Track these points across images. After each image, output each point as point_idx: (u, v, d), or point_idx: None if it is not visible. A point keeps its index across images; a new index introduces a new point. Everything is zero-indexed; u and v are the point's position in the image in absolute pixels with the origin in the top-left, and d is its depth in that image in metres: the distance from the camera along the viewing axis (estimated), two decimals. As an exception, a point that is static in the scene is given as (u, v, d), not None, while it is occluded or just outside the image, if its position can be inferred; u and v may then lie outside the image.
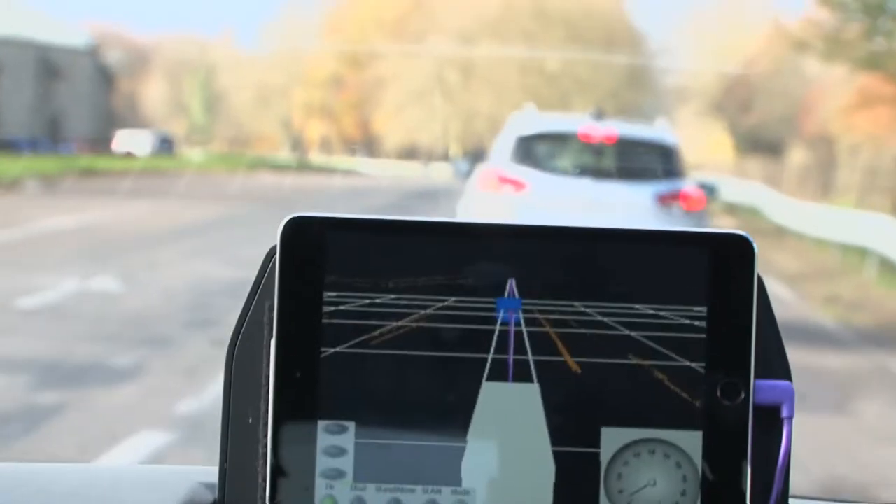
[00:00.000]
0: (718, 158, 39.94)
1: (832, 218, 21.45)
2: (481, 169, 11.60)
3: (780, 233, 23.82)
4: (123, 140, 49.40)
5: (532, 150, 11.50)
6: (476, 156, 13.17)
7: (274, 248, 1.01)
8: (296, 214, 1.00)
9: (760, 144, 38.31)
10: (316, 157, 56.72)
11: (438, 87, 48.86)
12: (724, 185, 36.48)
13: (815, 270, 17.37)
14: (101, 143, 45.67)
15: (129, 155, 47.27)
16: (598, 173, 11.12)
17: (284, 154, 57.80)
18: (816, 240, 21.46)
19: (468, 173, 12.13)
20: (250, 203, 21.90)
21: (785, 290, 14.00)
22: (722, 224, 24.11)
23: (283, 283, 0.99)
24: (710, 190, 12.34)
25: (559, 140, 11.69)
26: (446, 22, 46.61)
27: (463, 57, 46.54)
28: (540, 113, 12.69)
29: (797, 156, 35.39)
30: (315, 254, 0.99)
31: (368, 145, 58.93)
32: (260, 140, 61.65)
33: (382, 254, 1.00)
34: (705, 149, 40.50)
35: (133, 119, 60.32)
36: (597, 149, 11.29)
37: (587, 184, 11.01)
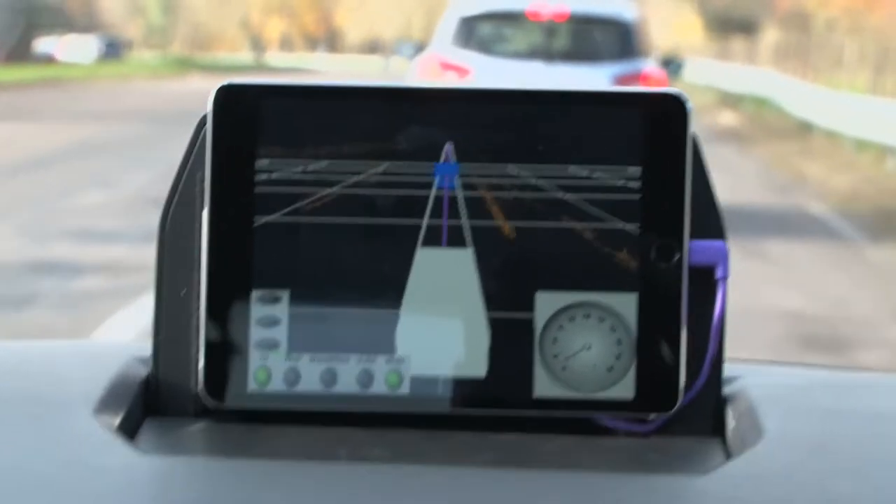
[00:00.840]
0: (688, 41, 38.73)
1: (874, 109, 16.57)
2: (421, 56, 10.83)
3: (806, 131, 20.20)
4: (67, 46, 47.41)
5: (476, 32, 10.70)
6: (423, 44, 12.23)
7: (205, 117, 0.99)
8: (227, 82, 0.98)
9: (732, 24, 37.36)
10: (276, 56, 55.45)
11: (398, -22, 47.44)
12: (711, 70, 33.76)
13: (878, 189, 13.09)
14: (20, 49, 43.18)
15: (51, 61, 44.33)
16: (549, 55, 10.42)
17: (244, 55, 56.59)
18: (858, 141, 16.92)
19: (412, 57, 11.19)
20: (142, 122, 18.92)
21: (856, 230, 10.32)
22: (727, 122, 22.45)
23: (214, 151, 0.97)
24: (676, 68, 11.52)
25: (506, 20, 10.90)
26: None
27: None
28: None
29: (771, 35, 34.28)
30: (247, 121, 0.98)
31: (330, 41, 57.96)
32: (220, 41, 60.64)
33: (316, 120, 0.98)
34: (674, 31, 39.50)
35: (89, 23, 59.14)
36: (547, 28, 10.58)
37: (537, 67, 10.29)
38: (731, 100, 28.55)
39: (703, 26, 39.63)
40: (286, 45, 59.51)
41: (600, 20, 10.65)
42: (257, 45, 58.41)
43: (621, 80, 9.98)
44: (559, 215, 0.98)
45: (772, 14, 35.25)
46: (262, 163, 0.98)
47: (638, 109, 0.99)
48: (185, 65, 43.46)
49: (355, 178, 0.98)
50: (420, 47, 11.08)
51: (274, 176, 0.98)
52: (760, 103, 26.09)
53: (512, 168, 0.98)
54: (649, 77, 10.06)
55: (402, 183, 0.99)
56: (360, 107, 0.99)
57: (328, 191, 0.98)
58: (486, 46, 10.50)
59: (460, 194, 0.99)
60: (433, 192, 0.98)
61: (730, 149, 17.00)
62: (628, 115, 0.99)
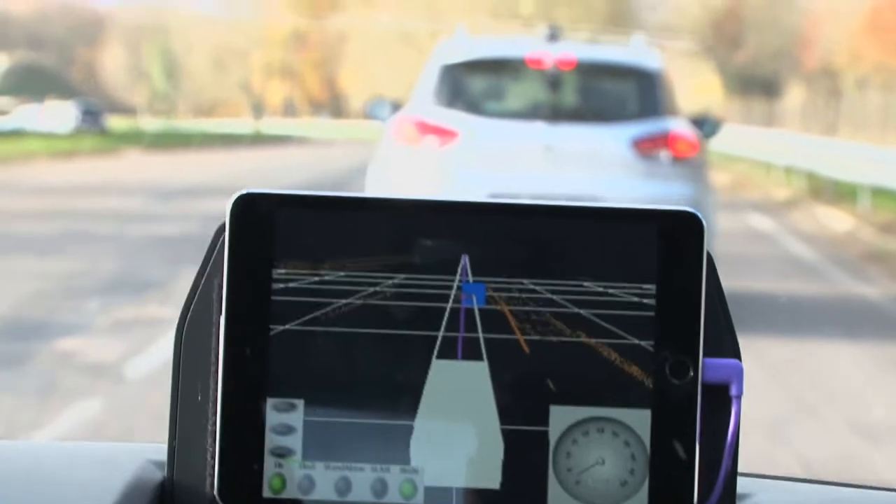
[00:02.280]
0: (707, 103, 36.80)
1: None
2: (398, 115, 8.78)
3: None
4: (46, 114, 44.84)
5: (463, 85, 8.77)
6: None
7: (223, 225, 1.01)
8: (245, 191, 1.00)
9: (753, 84, 35.52)
10: (276, 122, 53.82)
11: (402, 38, 45.85)
12: (748, 136, 28.22)
13: None
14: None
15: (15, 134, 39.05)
16: (554, 114, 8.48)
17: (245, 120, 54.96)
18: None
19: (389, 119, 8.94)
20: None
21: None
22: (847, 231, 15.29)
23: (231, 259, 1.00)
24: (711, 128, 9.26)
25: (500, 69, 8.93)
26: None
27: (427, 1, 43.46)
28: (474, 36, 9.59)
29: (796, 94, 32.35)
30: (264, 230, 1.00)
31: (335, 105, 56.52)
32: (225, 106, 59.26)
33: (332, 231, 1.00)
34: (691, 92, 37.73)
35: (91, 90, 57.80)
36: (552, 80, 8.55)
37: (539, 129, 8.34)
38: (823, 187, 20.36)
39: (723, 86, 37.71)
40: (289, 110, 57.93)
41: (617, 70, 8.85)
42: (258, 110, 56.80)
43: (643, 142, 8.30)
44: (574, 330, 0.99)
45: (797, 73, 33.33)
46: (278, 272, 0.99)
47: (653, 226, 0.99)
48: (169, 137, 40.81)
49: (371, 289, 0.99)
50: (398, 107, 8.98)
51: (291, 285, 0.99)
52: (879, 196, 17.77)
53: (527, 282, 0.99)
54: (678, 138, 8.32)
55: (417, 295, 0.99)
56: (375, 218, 1.00)
57: (344, 301, 0.99)
58: (475, 103, 8.66)
59: (476, 307, 0.99)
60: (449, 305, 0.99)
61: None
62: (644, 232, 0.99)
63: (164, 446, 1.04)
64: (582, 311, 0.99)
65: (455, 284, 1.00)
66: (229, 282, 0.99)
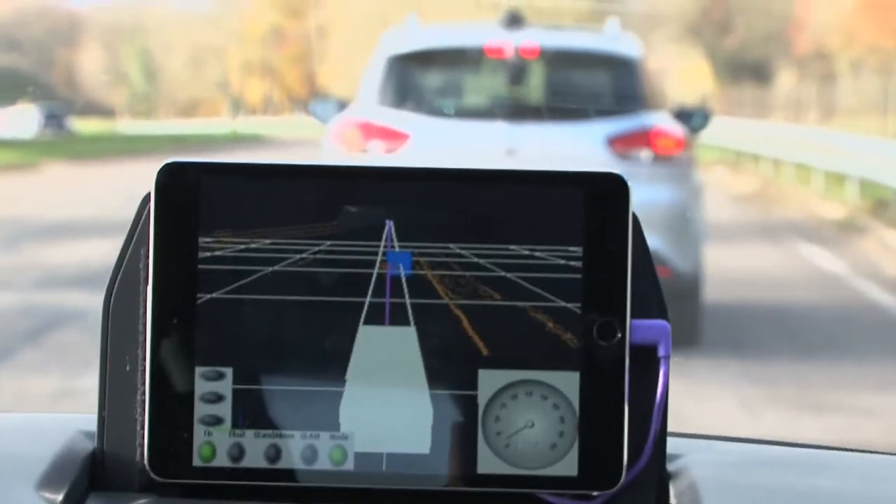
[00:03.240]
0: (697, 90, 35.76)
1: None
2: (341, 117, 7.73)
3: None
4: (9, 119, 43.03)
5: (413, 80, 7.83)
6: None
7: (149, 195, 1.01)
8: (171, 160, 1.00)
9: (743, 69, 34.49)
10: (253, 121, 52.89)
11: (384, 31, 44.81)
12: (755, 131, 24.08)
13: None
14: None
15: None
16: (517, 111, 7.49)
17: (225, 120, 54.04)
18: None
19: (332, 120, 7.90)
20: None
21: None
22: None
23: (157, 229, 1.00)
24: (699, 121, 8.19)
25: (454, 61, 7.92)
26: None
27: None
28: (425, 26, 8.38)
29: (787, 78, 31.34)
30: (190, 199, 1.00)
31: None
32: (205, 106, 58.38)
33: (258, 198, 1.00)
34: (679, 79, 36.72)
35: (70, 91, 56.86)
36: (514, 72, 7.55)
37: (500, 130, 7.33)
38: (887, 200, 15.57)
39: (713, 73, 36.69)
40: (270, 107, 57.01)
41: (588, 58, 7.90)
42: (236, 108, 55.86)
43: (619, 140, 7.33)
44: (501, 294, 1.00)
45: (788, 57, 32.32)
46: (205, 240, 1.00)
47: (579, 189, 1.00)
48: (135, 140, 38.86)
49: (298, 256, 1.00)
50: (345, 106, 7.90)
51: (217, 254, 1.00)
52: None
53: (453, 247, 1.00)
54: (660, 135, 7.38)
55: (344, 261, 1.00)
56: (301, 185, 1.00)
57: (271, 268, 1.00)
58: (427, 101, 7.69)
59: (403, 272, 0.99)
60: (375, 271, 0.99)
61: None
62: (569, 195, 1.00)
63: (95, 417, 1.03)
64: (509, 275, 1.00)
65: (380, 250, 1.00)
66: (155, 251, 1.00)
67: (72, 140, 37.97)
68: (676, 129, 7.50)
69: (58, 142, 36.43)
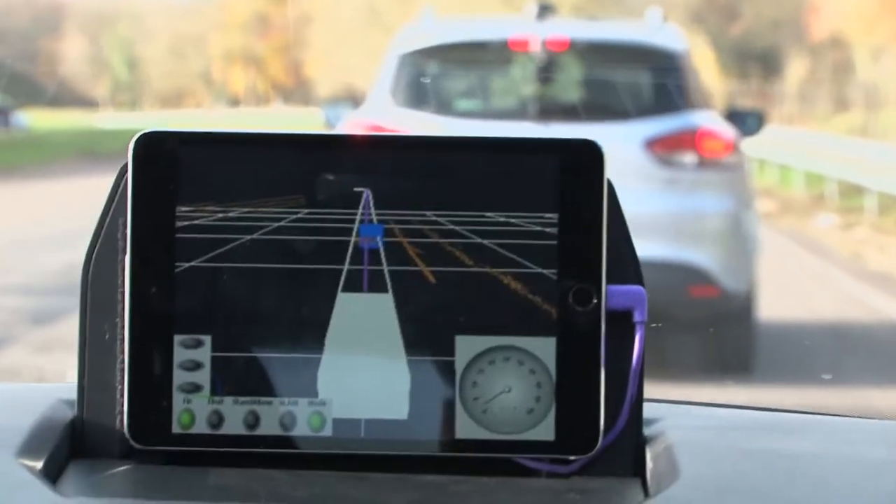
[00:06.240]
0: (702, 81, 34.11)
1: None
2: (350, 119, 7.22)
3: None
4: None
5: (429, 78, 7.18)
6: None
7: (126, 165, 1.03)
8: (148, 129, 1.02)
9: (750, 57, 32.93)
10: (235, 112, 51.43)
11: (371, 20, 43.39)
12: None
13: None
14: None
15: None
16: (546, 111, 6.67)
17: (206, 110, 52.55)
18: None
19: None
20: None
21: None
22: None
23: (135, 198, 1.01)
24: (754, 122, 7.40)
25: (475, 56, 7.20)
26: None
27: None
28: (442, 19, 7.69)
29: (799, 67, 29.75)
30: (167, 168, 1.01)
31: (302, 93, 54.46)
32: (193, 96, 57.04)
33: (236, 167, 1.01)
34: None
35: (52, 81, 55.42)
36: (542, 66, 6.74)
37: (526, 131, 6.44)
38: None
39: (718, 61, 35.11)
40: (254, 97, 55.68)
41: (626, 51, 7.13)
42: (221, 99, 54.51)
43: (662, 141, 6.57)
44: (477, 261, 1.02)
45: (801, 44, 30.73)
46: (182, 209, 1.01)
47: (554, 156, 1.02)
48: (102, 135, 35.04)
49: (276, 224, 1.01)
50: (358, 106, 7.39)
51: (195, 222, 1.01)
52: None
53: (430, 214, 1.01)
54: (708, 136, 6.64)
55: (322, 229, 1.01)
56: (278, 154, 1.01)
57: (249, 237, 1.01)
58: (445, 100, 7.11)
59: (380, 240, 1.01)
60: (353, 238, 1.01)
61: None
62: (544, 162, 1.02)
63: (75, 385, 1.05)
64: (485, 242, 1.01)
65: (357, 218, 1.01)
66: (133, 220, 1.01)
67: (17, 139, 33.49)
68: (726, 130, 6.77)
69: (7, 138, 31.58)
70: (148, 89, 58.50)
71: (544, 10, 7.10)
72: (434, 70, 7.29)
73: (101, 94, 58.00)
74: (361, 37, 44.60)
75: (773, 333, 7.45)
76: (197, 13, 54.74)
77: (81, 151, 26.16)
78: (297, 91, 55.57)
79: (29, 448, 0.98)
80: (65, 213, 13.94)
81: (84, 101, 54.75)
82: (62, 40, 58.84)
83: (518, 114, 6.88)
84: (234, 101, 55.61)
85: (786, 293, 8.94)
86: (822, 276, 10.59)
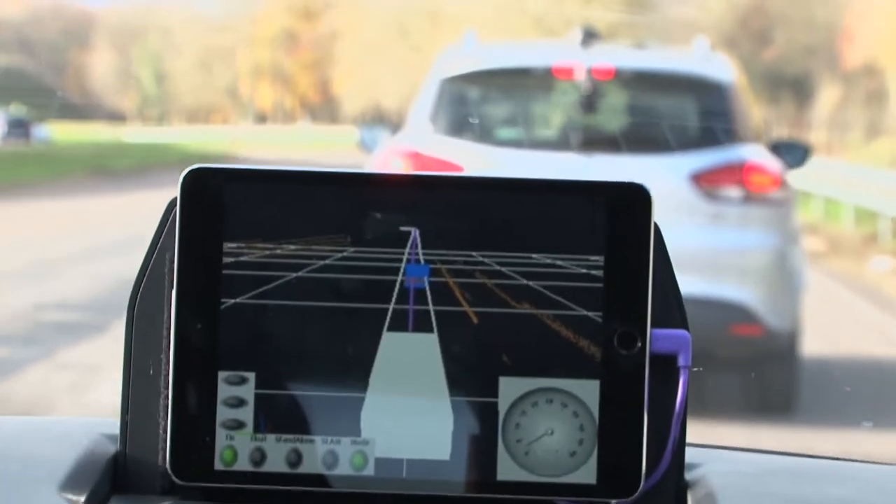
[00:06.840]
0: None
1: None
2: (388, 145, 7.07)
3: None
4: None
5: (470, 104, 7.04)
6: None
7: (174, 200, 1.03)
8: (196, 166, 1.02)
9: (783, 83, 32.70)
10: (261, 130, 51.28)
11: (400, 38, 43.20)
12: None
13: None
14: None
15: None
16: (590, 141, 6.58)
17: (232, 127, 52.44)
18: None
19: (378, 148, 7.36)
20: None
21: None
22: None
23: (182, 234, 1.02)
24: (800, 155, 7.18)
25: (518, 83, 7.05)
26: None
27: (424, -2, 40.86)
28: (485, 44, 7.64)
29: (831, 94, 29.48)
30: (215, 205, 1.02)
31: (330, 109, 54.22)
32: (222, 112, 56.99)
33: (283, 204, 1.02)
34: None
35: (81, 94, 55.45)
36: (586, 95, 6.60)
37: (570, 161, 6.40)
38: None
39: (750, 87, 34.94)
40: (281, 114, 55.53)
41: (672, 82, 6.99)
42: (248, 115, 54.39)
43: (708, 175, 6.43)
44: (522, 302, 1.01)
45: (834, 71, 30.49)
46: (229, 245, 1.01)
47: (601, 199, 1.01)
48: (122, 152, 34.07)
49: (322, 263, 1.01)
50: (397, 131, 7.19)
51: (241, 259, 1.01)
52: None
53: (476, 255, 1.01)
54: (755, 170, 6.49)
55: (368, 268, 1.00)
56: (326, 192, 1.01)
57: (295, 274, 1.01)
58: (487, 128, 6.90)
59: (426, 280, 1.01)
60: (399, 277, 1.00)
61: None
62: (592, 205, 1.01)
63: (118, 420, 1.05)
64: (531, 283, 1.00)
65: (404, 258, 1.01)
66: (180, 256, 1.01)
67: (40, 152, 32.14)
68: (773, 164, 6.62)
69: (26, 150, 29.98)
70: (176, 104, 58.47)
71: (589, 37, 6.92)
72: (475, 96, 7.17)
73: (128, 108, 57.96)
74: (390, 54, 44.42)
75: (833, 401, 7.07)
76: (225, 28, 54.59)
77: (92, 168, 25.51)
78: (323, 108, 55.36)
79: (71, 482, 0.99)
80: (43, 237, 13.11)
81: (112, 115, 54.71)
82: (91, 53, 58.82)
83: (561, 144, 6.77)
84: (262, 118, 55.49)
85: (844, 347, 8.56)
86: (883, 329, 9.81)
